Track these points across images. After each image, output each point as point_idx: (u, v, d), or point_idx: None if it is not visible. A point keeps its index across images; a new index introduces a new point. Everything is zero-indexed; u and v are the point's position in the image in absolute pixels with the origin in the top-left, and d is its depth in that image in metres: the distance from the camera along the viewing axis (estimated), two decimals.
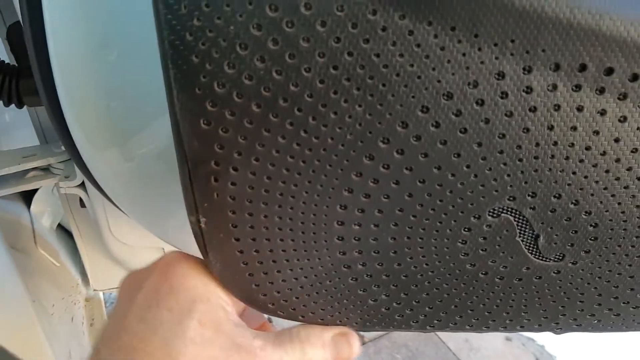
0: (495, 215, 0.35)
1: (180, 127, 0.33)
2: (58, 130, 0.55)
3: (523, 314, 0.42)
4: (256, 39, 0.29)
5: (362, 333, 2.13)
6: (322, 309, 0.43)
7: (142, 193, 0.57)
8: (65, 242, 0.93)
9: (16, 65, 0.69)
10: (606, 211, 0.34)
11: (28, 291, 0.71)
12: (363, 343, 2.09)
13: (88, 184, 0.70)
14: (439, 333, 2.11)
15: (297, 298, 0.42)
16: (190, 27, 0.29)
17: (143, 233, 0.77)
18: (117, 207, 0.63)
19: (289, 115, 0.31)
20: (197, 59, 0.30)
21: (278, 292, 0.42)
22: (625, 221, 0.34)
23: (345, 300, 0.42)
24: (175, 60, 0.31)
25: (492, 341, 2.14)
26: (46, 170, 0.72)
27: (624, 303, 0.40)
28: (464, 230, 0.36)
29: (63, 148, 0.70)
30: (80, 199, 0.75)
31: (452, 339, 2.14)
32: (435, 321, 0.43)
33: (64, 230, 0.97)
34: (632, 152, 0.31)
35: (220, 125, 0.32)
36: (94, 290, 0.95)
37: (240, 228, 0.37)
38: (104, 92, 0.48)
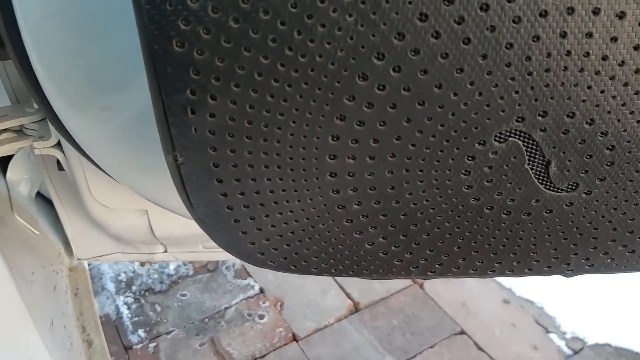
0: (502, 140, 0.31)
1: (152, 53, 0.30)
2: (29, 87, 0.52)
3: (532, 254, 0.39)
4: None
5: (357, 300, 2.12)
6: (315, 257, 0.40)
7: (124, 150, 0.54)
8: (47, 211, 0.90)
9: None
10: (624, 131, 0.31)
11: (4, 259, 0.67)
12: (358, 310, 2.08)
13: (65, 144, 0.66)
14: (436, 297, 2.11)
15: (288, 245, 0.39)
16: None
17: (125, 193, 0.74)
18: (97, 166, 0.59)
19: (271, 29, 0.28)
20: None
21: (267, 240, 0.39)
22: None
23: (340, 246, 0.39)
24: None
25: (489, 304, 2.14)
26: (19, 131, 0.68)
27: (639, 238, 0.38)
28: (468, 159, 0.33)
29: (36, 107, 0.66)
30: (58, 161, 0.72)
31: (449, 303, 2.13)
32: (437, 265, 0.40)
33: (45, 200, 0.94)
34: None
35: (194, 46, 0.29)
36: (78, 259, 0.92)
37: (223, 167, 0.34)
38: (75, 38, 0.45)
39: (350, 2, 0.27)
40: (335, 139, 0.32)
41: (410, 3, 0.26)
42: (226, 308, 2.12)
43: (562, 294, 2.12)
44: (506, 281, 2.23)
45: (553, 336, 1.99)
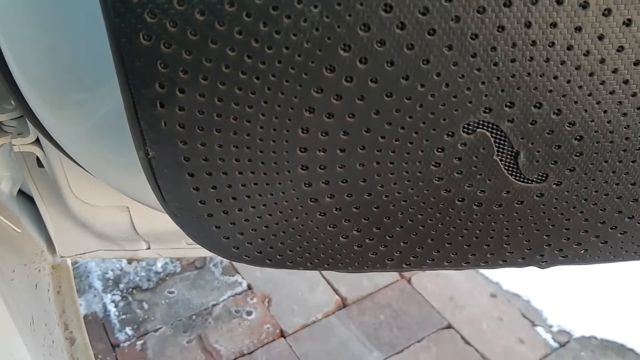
0: (470, 131, 0.32)
1: (119, 46, 0.29)
2: (5, 84, 0.51)
3: (505, 245, 0.39)
4: None
5: (345, 295, 2.12)
6: (289, 251, 0.40)
7: (101, 147, 0.53)
8: (29, 209, 0.89)
9: None
10: (591, 121, 0.31)
11: None
12: (345, 305, 2.09)
13: (44, 140, 0.66)
14: (423, 292, 2.12)
15: (262, 240, 0.39)
16: None
17: (106, 190, 0.73)
18: (76, 162, 0.59)
19: (237, 21, 0.28)
20: None
21: (241, 234, 0.39)
22: (611, 132, 0.31)
23: (314, 239, 0.39)
24: None
25: (477, 298, 2.14)
26: None
27: (611, 228, 0.38)
28: (437, 151, 0.33)
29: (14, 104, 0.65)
30: (38, 158, 0.71)
31: (436, 297, 2.14)
32: (412, 258, 0.40)
33: (27, 197, 0.93)
34: (617, 51, 0.28)
35: (161, 39, 0.29)
36: (61, 257, 0.92)
37: (194, 161, 0.34)
38: (48, 34, 0.44)
39: None
40: (305, 131, 0.32)
41: None
42: (214, 305, 2.11)
43: (549, 288, 2.13)
44: (494, 275, 2.24)
45: (539, 329, 2.00)
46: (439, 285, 2.18)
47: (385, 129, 0.31)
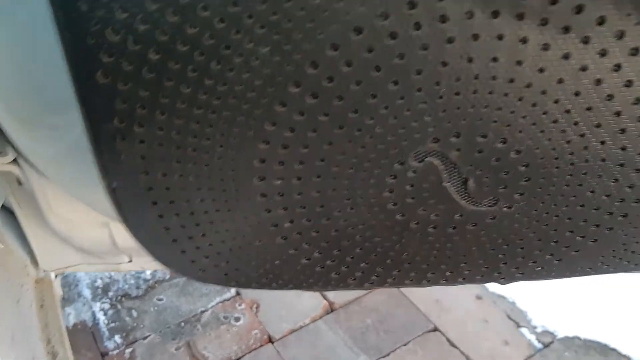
0: (420, 159, 0.33)
1: (79, 84, 0.30)
2: None
3: (463, 264, 0.40)
4: None
5: (332, 300, 2.13)
6: (254, 272, 0.41)
7: (75, 168, 0.54)
8: (12, 224, 0.90)
9: None
10: (536, 149, 0.32)
11: None
12: (333, 310, 2.09)
13: (21, 159, 0.67)
14: (410, 295, 2.12)
15: (227, 262, 0.40)
16: None
17: (85, 206, 0.74)
18: (51, 181, 0.60)
19: (190, 60, 0.29)
20: (86, 5, 0.28)
21: (206, 257, 0.40)
22: (557, 159, 0.33)
23: (277, 261, 0.40)
24: (63, 6, 0.28)
25: (462, 301, 2.15)
26: None
27: (565, 247, 0.39)
28: (390, 178, 0.34)
29: None
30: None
31: (423, 300, 2.15)
32: (374, 277, 0.41)
33: (10, 213, 0.94)
34: (558, 82, 0.29)
35: (119, 77, 0.30)
36: (44, 271, 0.92)
37: (156, 190, 0.35)
38: (19, 58, 0.45)
39: (264, 34, 0.28)
40: (261, 161, 0.33)
41: (321, 33, 0.27)
42: (202, 311, 2.11)
43: (534, 289, 2.14)
44: None
45: (524, 330, 2.01)
46: (426, 288, 2.18)
47: (338, 158, 0.33)
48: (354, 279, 0.41)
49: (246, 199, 0.35)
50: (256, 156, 0.33)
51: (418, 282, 0.42)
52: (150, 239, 0.39)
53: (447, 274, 0.41)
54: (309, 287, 0.42)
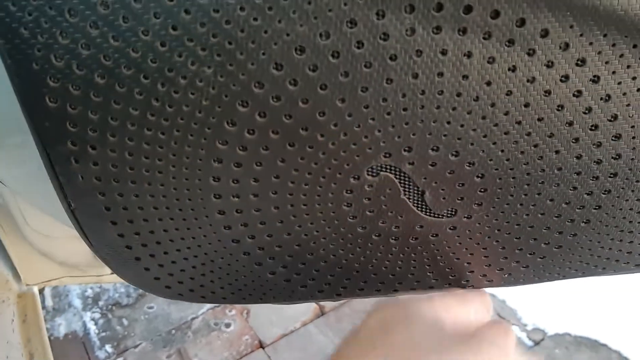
0: (374, 174, 0.33)
1: (28, 109, 0.30)
2: None
3: (429, 273, 0.40)
4: (84, 2, 0.27)
5: (322, 303, 2.13)
6: (221, 287, 0.41)
7: (45, 187, 0.54)
8: None
9: None
10: (490, 160, 0.32)
11: None
12: (323, 313, 2.09)
13: None
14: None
15: (192, 279, 0.40)
16: None
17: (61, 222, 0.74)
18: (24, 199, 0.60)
19: (135, 83, 0.29)
20: (27, 31, 0.27)
21: (171, 275, 0.40)
22: (512, 169, 0.33)
23: (243, 277, 0.40)
24: (5, 33, 0.28)
25: None
26: None
27: (529, 254, 0.39)
28: (346, 193, 0.34)
29: None
30: None
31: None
32: (341, 289, 0.41)
33: None
34: (507, 95, 0.29)
35: (67, 101, 0.30)
36: (27, 285, 0.92)
37: (114, 210, 0.35)
38: None
39: (207, 55, 0.28)
40: (216, 179, 0.33)
41: (263, 54, 0.27)
42: (193, 318, 2.11)
43: (524, 288, 2.15)
44: None
45: (515, 328, 2.02)
46: None
47: (293, 174, 0.33)
48: (322, 291, 0.41)
49: (204, 216, 0.35)
50: (210, 175, 0.33)
51: (387, 292, 0.42)
52: (112, 257, 0.39)
53: (415, 283, 0.41)
54: (277, 300, 0.42)
